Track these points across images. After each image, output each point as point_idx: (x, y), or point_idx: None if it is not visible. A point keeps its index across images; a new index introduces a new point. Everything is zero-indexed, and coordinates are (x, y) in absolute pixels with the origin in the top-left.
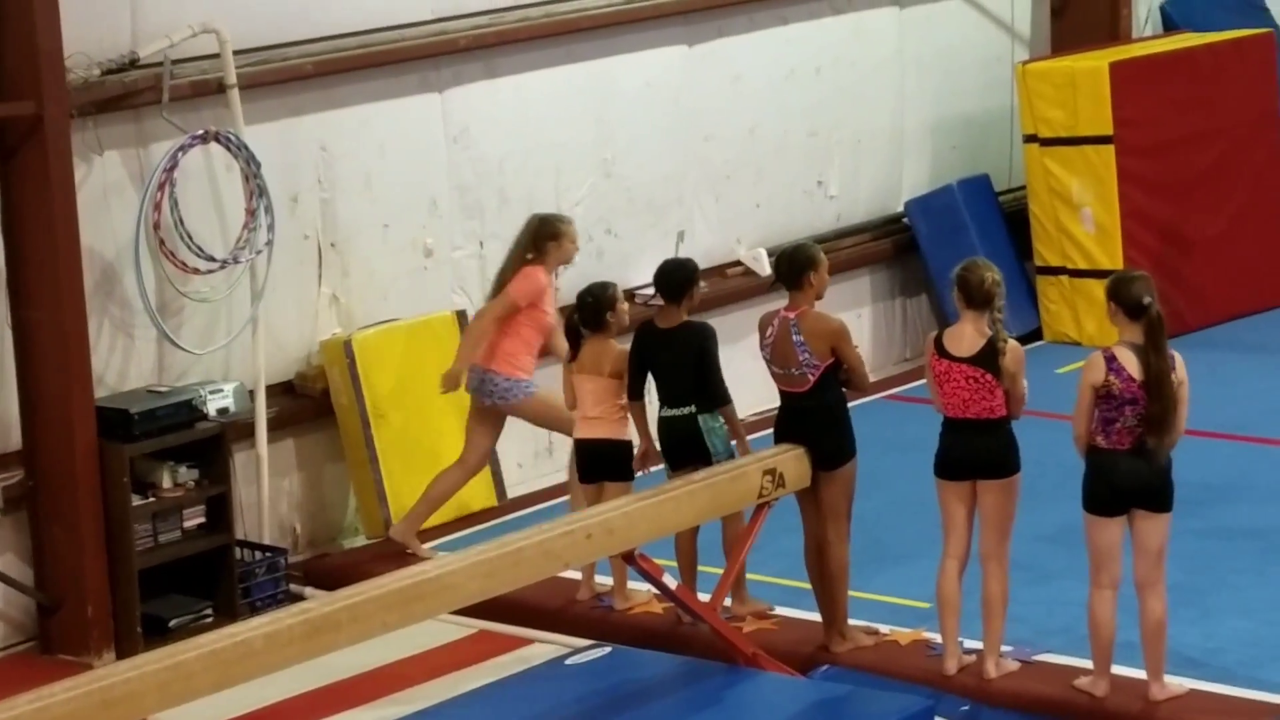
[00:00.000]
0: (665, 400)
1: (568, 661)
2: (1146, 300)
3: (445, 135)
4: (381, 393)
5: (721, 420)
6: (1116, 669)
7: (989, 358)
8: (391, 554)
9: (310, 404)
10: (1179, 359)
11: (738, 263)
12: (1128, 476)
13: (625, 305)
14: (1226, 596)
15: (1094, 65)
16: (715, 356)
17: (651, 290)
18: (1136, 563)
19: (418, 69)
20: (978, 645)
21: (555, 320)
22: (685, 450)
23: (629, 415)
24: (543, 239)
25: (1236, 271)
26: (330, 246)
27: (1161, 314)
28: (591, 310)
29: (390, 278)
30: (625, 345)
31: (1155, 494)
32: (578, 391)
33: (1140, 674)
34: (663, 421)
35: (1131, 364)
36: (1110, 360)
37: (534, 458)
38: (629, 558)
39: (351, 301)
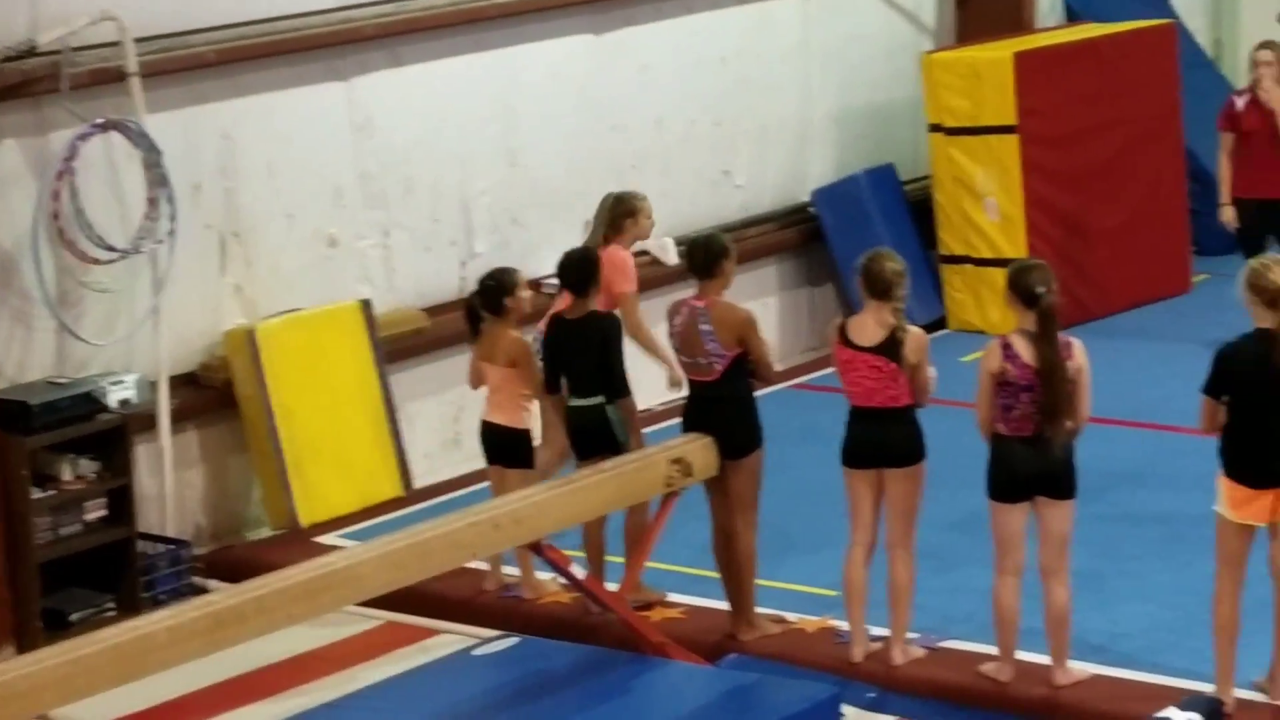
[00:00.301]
0: (574, 390)
1: (475, 652)
2: (1040, 290)
3: (350, 124)
4: (286, 383)
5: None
6: (1021, 655)
7: (892, 347)
8: (296, 545)
9: (214, 395)
10: (1078, 346)
11: (644, 252)
12: (1027, 463)
13: (527, 294)
14: (1129, 582)
15: (998, 55)
16: (619, 347)
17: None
18: (1041, 549)
19: (322, 57)
20: (884, 633)
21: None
22: (593, 440)
23: (528, 404)
24: (620, 217)
25: (1138, 260)
26: (233, 236)
27: (1053, 304)
28: (491, 293)
29: (294, 268)
30: (520, 334)
31: (1056, 481)
32: (483, 375)
33: (1045, 659)
34: (571, 411)
35: (1027, 352)
36: (1006, 348)
37: (441, 448)
38: (535, 548)
39: (255, 292)
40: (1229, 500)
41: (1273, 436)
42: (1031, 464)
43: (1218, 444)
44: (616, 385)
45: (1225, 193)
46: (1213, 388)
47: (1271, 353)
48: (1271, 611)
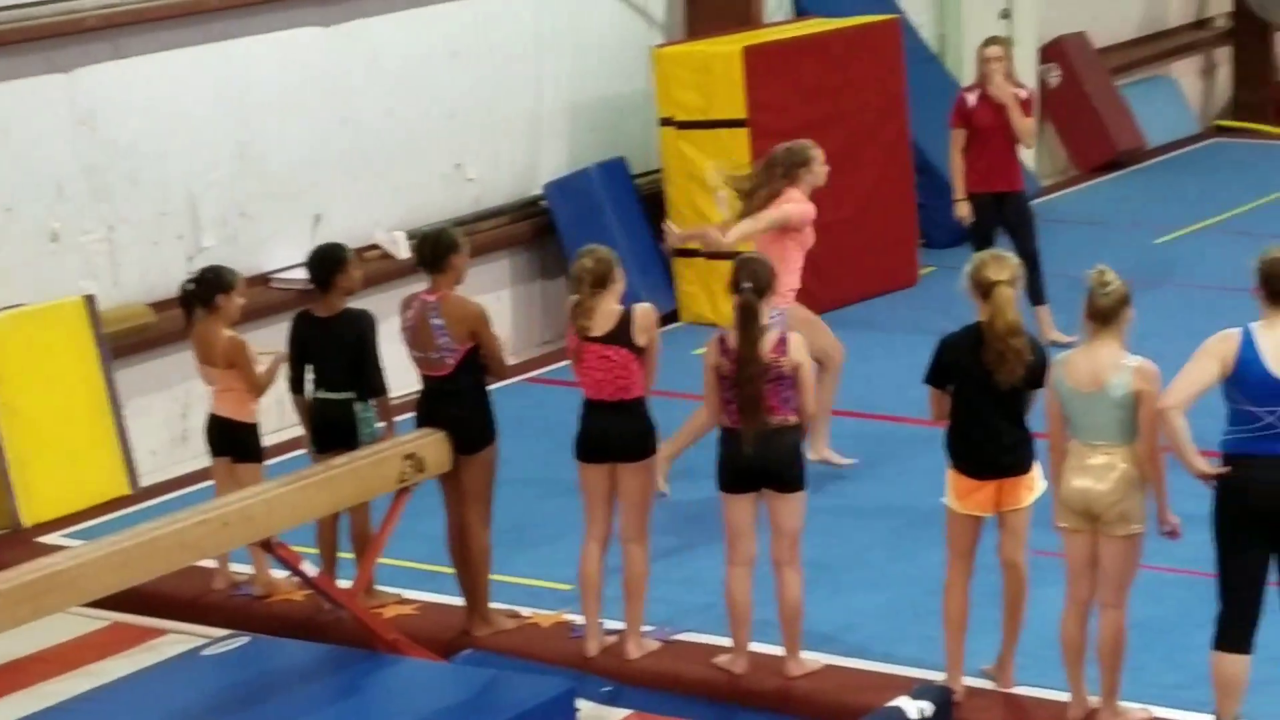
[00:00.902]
0: (322, 384)
1: (204, 652)
2: (744, 285)
3: (72, 117)
4: (7, 380)
5: (374, 410)
6: (755, 646)
7: (617, 334)
8: (19, 545)
9: None
10: (795, 342)
11: (375, 246)
12: (748, 455)
13: (240, 301)
14: (860, 573)
15: (727, 50)
16: (375, 344)
17: (290, 275)
18: (772, 541)
19: (42, 49)
20: (619, 626)
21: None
22: (335, 435)
23: (254, 397)
24: (794, 166)
25: (866, 253)
26: None
27: (749, 300)
28: (207, 286)
29: (15, 263)
30: (235, 334)
31: (780, 473)
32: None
33: (779, 650)
34: (317, 403)
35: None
36: (721, 342)
37: (169, 444)
38: (267, 545)
39: None
40: (954, 491)
41: (990, 428)
42: (753, 456)
43: (944, 436)
44: (373, 383)
45: (959, 188)
46: (933, 377)
47: (982, 345)
48: (1000, 601)
